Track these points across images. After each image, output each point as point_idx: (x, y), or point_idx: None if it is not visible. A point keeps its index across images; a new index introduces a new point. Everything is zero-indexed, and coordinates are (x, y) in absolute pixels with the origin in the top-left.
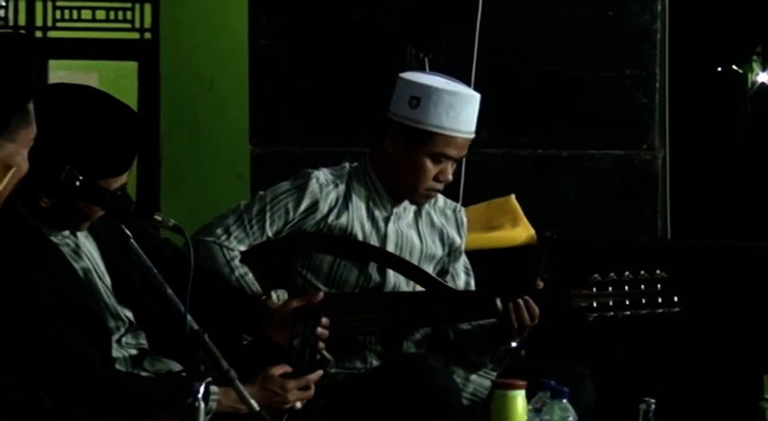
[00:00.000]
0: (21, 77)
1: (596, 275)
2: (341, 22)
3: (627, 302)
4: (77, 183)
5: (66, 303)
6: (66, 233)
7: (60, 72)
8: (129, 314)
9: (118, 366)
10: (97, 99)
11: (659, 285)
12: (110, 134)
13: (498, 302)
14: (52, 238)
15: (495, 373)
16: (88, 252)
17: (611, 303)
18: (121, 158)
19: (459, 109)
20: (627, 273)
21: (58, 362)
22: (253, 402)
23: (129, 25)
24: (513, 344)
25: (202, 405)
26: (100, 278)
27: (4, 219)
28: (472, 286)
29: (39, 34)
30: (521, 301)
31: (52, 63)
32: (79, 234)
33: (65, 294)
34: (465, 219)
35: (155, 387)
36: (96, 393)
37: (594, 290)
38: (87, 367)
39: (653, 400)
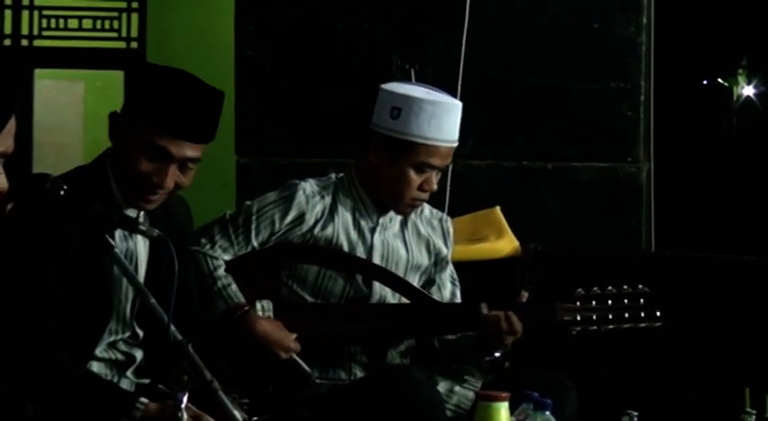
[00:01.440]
0: (2, 94)
1: (580, 290)
2: (327, 33)
3: (610, 316)
4: (61, 193)
5: (80, 267)
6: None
7: (46, 81)
8: (140, 331)
9: (98, 366)
10: (193, 76)
11: (642, 300)
12: (195, 98)
13: (484, 308)
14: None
15: (479, 385)
16: (137, 249)
17: (594, 317)
18: (199, 123)
19: (441, 118)
20: (610, 287)
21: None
22: (236, 413)
23: (115, 34)
24: (497, 355)
25: (185, 415)
26: (131, 279)
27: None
28: (458, 296)
29: (25, 43)
30: (501, 313)
31: (38, 72)
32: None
33: (86, 260)
34: (451, 229)
35: (90, 389)
36: (22, 361)
37: (578, 304)
38: (29, 333)
39: (635, 413)
